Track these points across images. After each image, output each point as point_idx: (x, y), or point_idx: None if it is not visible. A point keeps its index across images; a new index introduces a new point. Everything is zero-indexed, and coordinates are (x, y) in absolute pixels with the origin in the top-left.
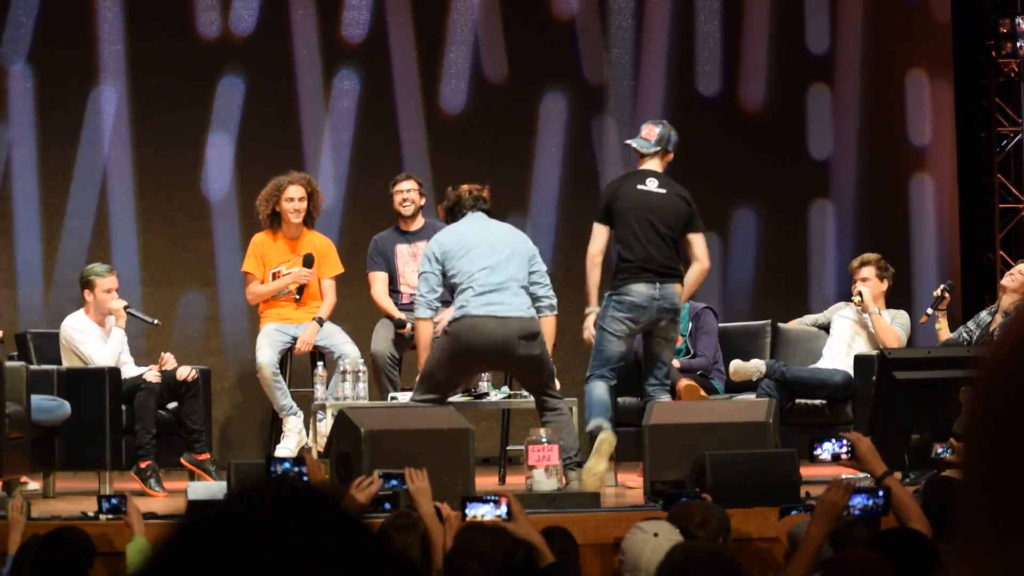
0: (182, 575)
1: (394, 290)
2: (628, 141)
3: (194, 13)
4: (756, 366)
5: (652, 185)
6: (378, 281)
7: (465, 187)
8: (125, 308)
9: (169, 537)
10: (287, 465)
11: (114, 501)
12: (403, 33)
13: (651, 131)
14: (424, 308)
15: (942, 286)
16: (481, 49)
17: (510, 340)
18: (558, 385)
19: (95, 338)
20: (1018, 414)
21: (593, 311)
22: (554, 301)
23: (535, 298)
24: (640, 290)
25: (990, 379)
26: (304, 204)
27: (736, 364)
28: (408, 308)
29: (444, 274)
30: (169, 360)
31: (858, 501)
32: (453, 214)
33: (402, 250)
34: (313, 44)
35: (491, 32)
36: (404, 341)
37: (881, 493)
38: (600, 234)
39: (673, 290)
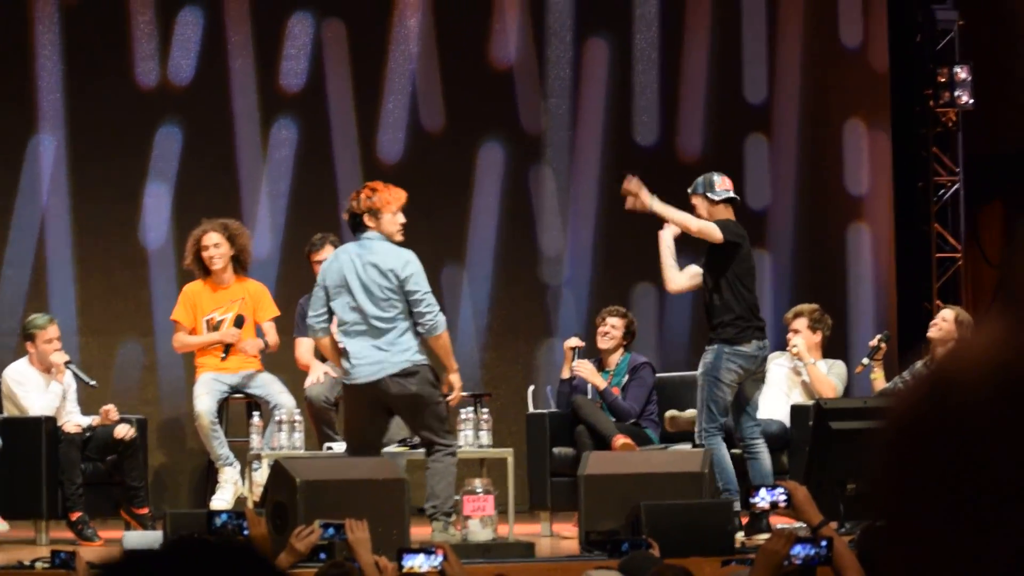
0: None
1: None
2: (732, 196)
3: (133, 63)
4: (692, 416)
5: None
6: (303, 345)
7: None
8: (66, 363)
9: None
10: (226, 518)
11: (64, 556)
12: (341, 83)
13: (725, 180)
14: (310, 331)
15: (879, 336)
16: (419, 99)
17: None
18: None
19: (35, 389)
20: (926, 462)
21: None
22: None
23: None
24: (755, 344)
25: (898, 429)
26: (222, 250)
27: (672, 414)
28: None
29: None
30: (112, 412)
31: (800, 550)
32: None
33: None
34: (251, 93)
35: (429, 82)
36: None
37: (824, 543)
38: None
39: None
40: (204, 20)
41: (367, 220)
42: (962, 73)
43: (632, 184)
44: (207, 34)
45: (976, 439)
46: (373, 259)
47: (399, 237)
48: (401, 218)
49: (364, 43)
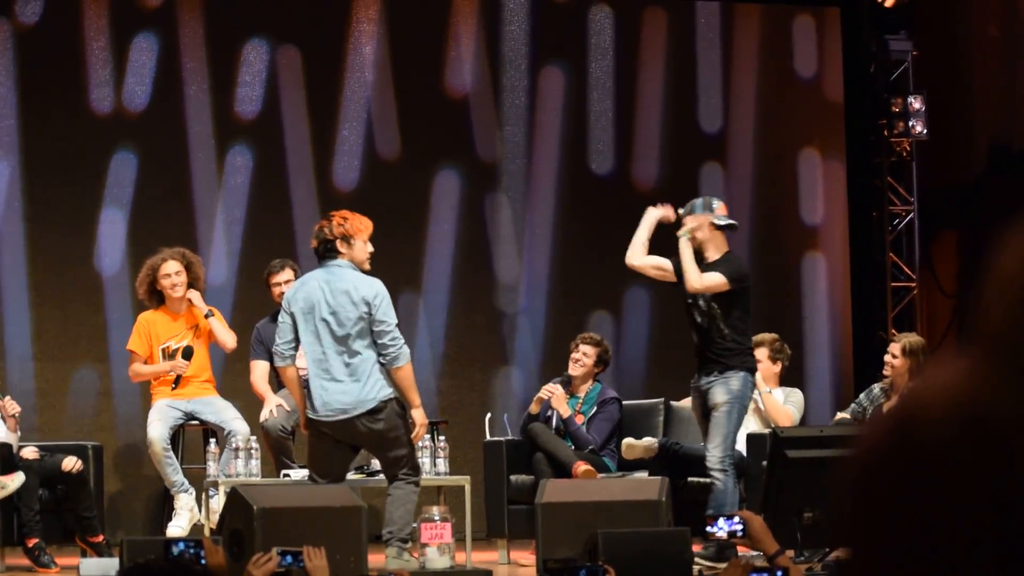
0: None
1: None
2: (734, 223)
3: (87, 89)
4: (648, 444)
5: None
6: (258, 369)
7: (324, 224)
8: None
9: None
10: (183, 546)
11: None
12: (296, 110)
13: (724, 206)
14: (277, 358)
15: None
16: (374, 126)
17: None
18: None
19: None
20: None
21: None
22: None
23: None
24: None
25: (863, 465)
26: (182, 278)
27: (628, 442)
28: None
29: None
30: (10, 405)
31: None
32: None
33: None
34: (206, 120)
35: (384, 109)
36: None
37: (780, 573)
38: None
39: None
40: (159, 46)
41: (340, 246)
42: (916, 103)
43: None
44: (162, 60)
45: (940, 477)
46: (344, 286)
47: (367, 266)
48: (370, 247)
49: (319, 70)
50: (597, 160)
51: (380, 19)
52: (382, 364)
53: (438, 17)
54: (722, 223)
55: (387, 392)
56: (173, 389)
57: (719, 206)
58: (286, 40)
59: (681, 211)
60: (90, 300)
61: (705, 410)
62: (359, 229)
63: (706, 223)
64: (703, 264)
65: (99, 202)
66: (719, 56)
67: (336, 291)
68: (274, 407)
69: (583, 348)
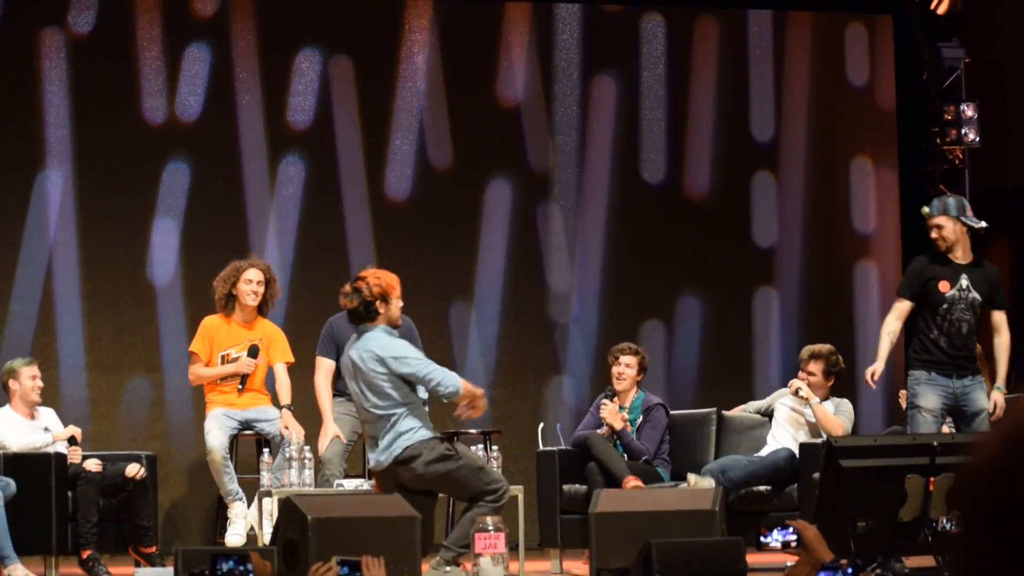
0: None
1: (341, 384)
2: (984, 224)
3: (140, 98)
4: (705, 483)
5: None
6: (323, 368)
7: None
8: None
9: None
10: (232, 564)
11: None
12: (348, 119)
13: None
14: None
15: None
16: (427, 136)
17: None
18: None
19: (14, 430)
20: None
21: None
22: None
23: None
24: None
25: (982, 474)
26: (261, 288)
27: (691, 479)
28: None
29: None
30: (76, 453)
31: None
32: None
33: None
34: (259, 129)
35: (436, 119)
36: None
37: (850, 571)
38: None
39: None
40: (211, 56)
41: (379, 307)
42: (968, 111)
43: None
44: (214, 70)
45: None
46: (375, 355)
47: (400, 322)
48: (400, 301)
49: (371, 80)
50: (649, 169)
51: (432, 28)
52: (418, 416)
53: (490, 26)
54: (975, 225)
55: (415, 438)
56: (240, 391)
57: (969, 207)
58: (338, 50)
59: (926, 209)
60: (143, 309)
61: (952, 410)
62: (392, 286)
63: (958, 226)
64: (950, 266)
65: (152, 211)
66: (771, 64)
67: (368, 359)
68: (331, 438)
69: (623, 360)
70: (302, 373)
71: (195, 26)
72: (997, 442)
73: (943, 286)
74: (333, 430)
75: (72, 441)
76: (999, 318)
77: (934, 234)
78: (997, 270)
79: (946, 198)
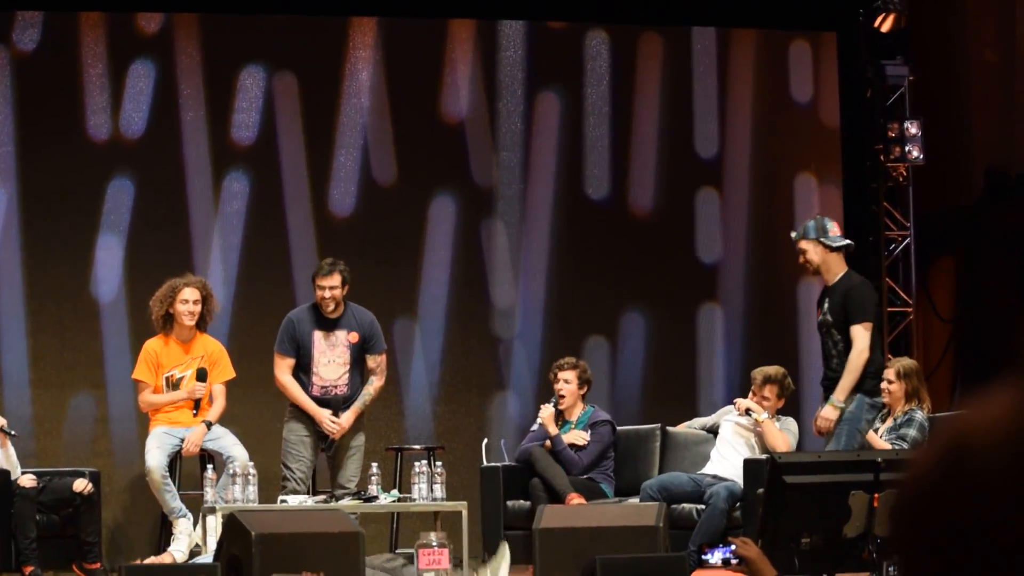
0: None
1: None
2: (850, 242)
3: (85, 115)
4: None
5: None
6: (284, 365)
7: None
8: None
9: None
10: None
11: None
12: (293, 136)
13: (837, 226)
14: None
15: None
16: (371, 152)
17: None
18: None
19: None
20: (943, 526)
21: (842, 407)
22: None
23: None
24: (880, 399)
25: (915, 493)
26: (198, 308)
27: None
28: (320, 400)
29: None
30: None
31: None
32: None
33: (319, 338)
34: (203, 146)
35: (380, 135)
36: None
37: None
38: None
39: None
40: (156, 72)
41: None
42: (912, 128)
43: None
44: (159, 86)
45: (992, 504)
46: None
47: None
48: None
49: (316, 96)
50: (593, 185)
51: (376, 45)
52: None
53: (434, 43)
54: (835, 244)
55: None
56: (194, 415)
57: (832, 227)
58: (283, 66)
59: (793, 234)
60: (87, 327)
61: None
62: None
63: (819, 248)
64: (823, 291)
65: (96, 229)
66: (715, 81)
67: None
68: (329, 416)
69: (562, 376)
70: (245, 391)
71: (140, 43)
72: (931, 461)
73: (817, 313)
74: (325, 412)
75: (3, 430)
76: (853, 332)
77: (800, 259)
78: (852, 283)
79: (806, 221)
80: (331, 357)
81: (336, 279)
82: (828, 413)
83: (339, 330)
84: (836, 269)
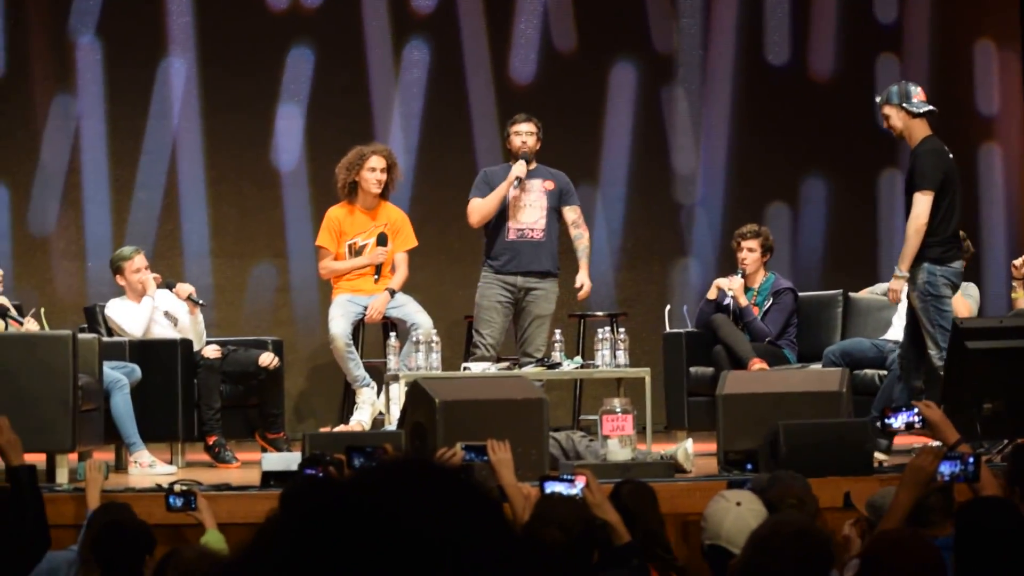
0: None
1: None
2: (933, 108)
3: None
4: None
5: None
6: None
7: None
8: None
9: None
10: (364, 459)
11: (181, 502)
12: (472, 4)
13: (920, 92)
14: None
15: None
16: (550, 19)
17: None
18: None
19: (130, 318)
20: None
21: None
22: None
23: None
24: (959, 263)
25: None
26: (385, 176)
27: None
28: (516, 244)
29: None
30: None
31: (947, 467)
32: None
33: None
34: (382, 15)
35: (560, 2)
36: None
37: (971, 459)
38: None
39: None
40: None
41: None
42: None
43: None
44: None
45: None
46: None
47: None
48: None
49: None
50: (773, 51)
51: None
52: None
53: None
54: (918, 110)
55: None
56: (376, 281)
57: (917, 92)
58: None
59: (877, 99)
60: (267, 196)
61: None
62: None
63: (901, 113)
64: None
65: (276, 98)
66: None
67: None
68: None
69: (745, 244)
70: (428, 259)
71: None
72: None
73: None
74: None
75: (192, 299)
76: (914, 198)
77: (884, 124)
78: (923, 148)
79: (890, 86)
80: (528, 200)
81: (532, 126)
82: (893, 283)
83: (535, 178)
84: (918, 135)
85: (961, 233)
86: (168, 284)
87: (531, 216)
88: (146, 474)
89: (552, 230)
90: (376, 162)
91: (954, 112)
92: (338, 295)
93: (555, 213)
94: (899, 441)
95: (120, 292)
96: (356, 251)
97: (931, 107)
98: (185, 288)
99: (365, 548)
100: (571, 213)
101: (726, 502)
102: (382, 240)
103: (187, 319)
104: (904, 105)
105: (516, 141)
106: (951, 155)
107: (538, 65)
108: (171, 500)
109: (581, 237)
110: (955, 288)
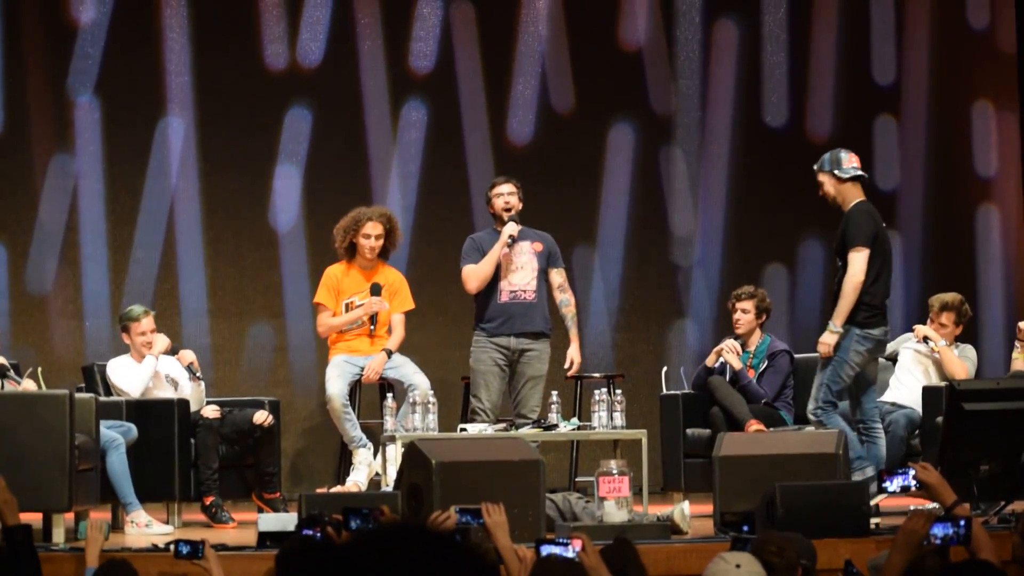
0: None
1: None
2: (863, 173)
3: (261, 45)
4: None
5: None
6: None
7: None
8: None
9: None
10: (360, 521)
11: (188, 549)
12: (470, 64)
13: (852, 157)
14: None
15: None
16: (548, 80)
17: None
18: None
19: (129, 378)
20: None
21: (839, 332)
22: None
23: None
24: (881, 329)
25: None
26: (380, 243)
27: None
28: (509, 306)
29: None
30: (185, 355)
31: (939, 530)
32: None
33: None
34: (380, 75)
35: (558, 63)
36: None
37: (963, 522)
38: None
39: None
40: (332, 2)
41: None
42: None
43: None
44: (335, 16)
45: None
46: None
47: None
48: None
49: (493, 25)
50: (771, 113)
51: None
52: None
53: None
54: (846, 175)
55: None
56: (372, 332)
57: (847, 158)
58: None
59: (815, 167)
60: (265, 255)
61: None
62: None
63: (831, 179)
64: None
65: (274, 158)
66: (892, 7)
67: None
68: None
69: (740, 306)
70: (424, 319)
71: None
72: None
73: None
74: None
75: (190, 370)
76: (848, 257)
77: (820, 192)
78: (854, 209)
79: (824, 155)
80: (519, 263)
81: (512, 187)
82: (825, 337)
83: (523, 240)
84: (850, 198)
85: (959, 298)
86: (173, 349)
87: (523, 278)
88: (143, 534)
89: (543, 291)
90: (371, 228)
91: (952, 173)
92: (335, 355)
93: (544, 274)
94: (896, 503)
95: (123, 348)
96: (352, 310)
97: (861, 172)
98: (187, 355)
99: None
100: (557, 276)
101: (725, 563)
102: (375, 290)
103: (188, 384)
104: (835, 172)
105: (499, 203)
106: (884, 224)
107: (536, 126)
108: (180, 547)
109: (568, 304)
110: (872, 355)
